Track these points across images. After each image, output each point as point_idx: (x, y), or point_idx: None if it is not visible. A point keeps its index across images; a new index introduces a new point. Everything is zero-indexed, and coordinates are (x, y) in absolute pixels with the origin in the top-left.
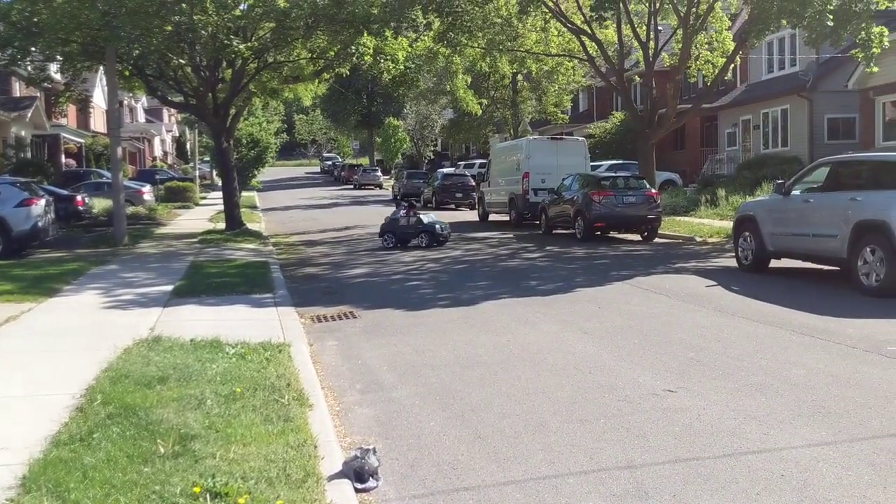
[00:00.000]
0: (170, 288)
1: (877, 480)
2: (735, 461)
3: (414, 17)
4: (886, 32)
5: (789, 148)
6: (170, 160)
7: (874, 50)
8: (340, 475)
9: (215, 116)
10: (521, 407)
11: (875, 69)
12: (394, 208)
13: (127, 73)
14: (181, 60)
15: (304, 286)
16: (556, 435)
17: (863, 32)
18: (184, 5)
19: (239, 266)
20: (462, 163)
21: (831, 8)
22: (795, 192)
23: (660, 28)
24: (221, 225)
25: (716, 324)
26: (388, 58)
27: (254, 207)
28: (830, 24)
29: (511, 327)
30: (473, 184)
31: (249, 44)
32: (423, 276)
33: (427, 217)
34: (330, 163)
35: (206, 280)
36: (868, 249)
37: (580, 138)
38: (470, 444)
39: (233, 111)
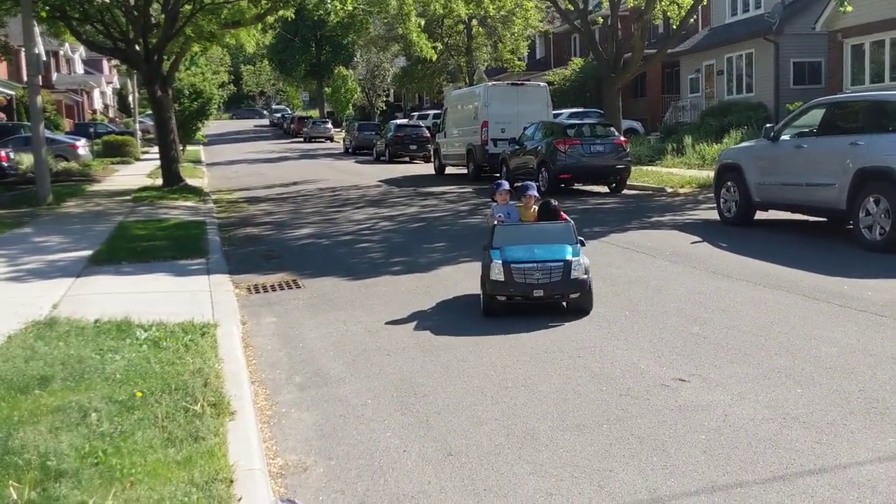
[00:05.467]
0: (87, 254)
1: None
2: (791, 488)
3: None
4: None
5: (754, 94)
6: (111, 114)
7: None
8: None
9: (147, 63)
10: (499, 408)
11: (849, 8)
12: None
13: (44, 13)
14: (107, 0)
15: (242, 249)
16: (549, 449)
17: None
18: None
19: (171, 227)
20: (416, 114)
21: None
22: (785, 138)
23: None
24: (160, 181)
25: (714, 288)
26: None
27: (198, 162)
28: None
29: (478, 299)
30: (428, 135)
31: None
32: (375, 236)
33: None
34: (279, 115)
35: (131, 244)
36: (871, 199)
37: (541, 84)
38: (438, 466)
39: (170, 59)
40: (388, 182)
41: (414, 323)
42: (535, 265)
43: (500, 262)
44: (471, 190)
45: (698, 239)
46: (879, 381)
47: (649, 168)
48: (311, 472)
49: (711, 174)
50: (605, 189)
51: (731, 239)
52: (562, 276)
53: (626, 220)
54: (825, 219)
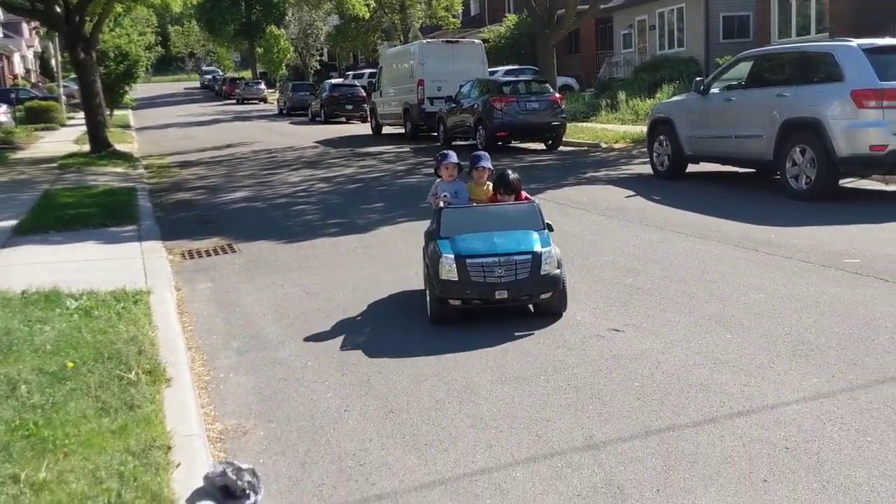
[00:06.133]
0: (12, 224)
1: None
2: (721, 429)
3: None
4: None
5: (685, 48)
6: (34, 78)
7: None
8: (202, 496)
9: (69, 25)
10: (439, 364)
11: None
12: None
13: None
14: None
15: (175, 215)
16: (488, 402)
17: None
18: None
19: (100, 194)
20: (351, 73)
21: None
22: (714, 91)
23: None
24: (87, 147)
25: (647, 241)
26: None
27: (126, 127)
28: None
29: (419, 258)
30: (364, 95)
31: None
32: (311, 198)
33: None
34: (210, 77)
35: (59, 212)
36: (797, 150)
37: (476, 41)
38: (380, 424)
39: (93, 20)
40: (324, 143)
41: (353, 284)
42: (496, 259)
43: (453, 256)
44: (408, 149)
45: (632, 193)
46: (804, 324)
47: (584, 124)
48: (252, 436)
49: (645, 129)
50: (541, 146)
51: (664, 192)
52: (530, 272)
53: (563, 176)
54: (754, 170)
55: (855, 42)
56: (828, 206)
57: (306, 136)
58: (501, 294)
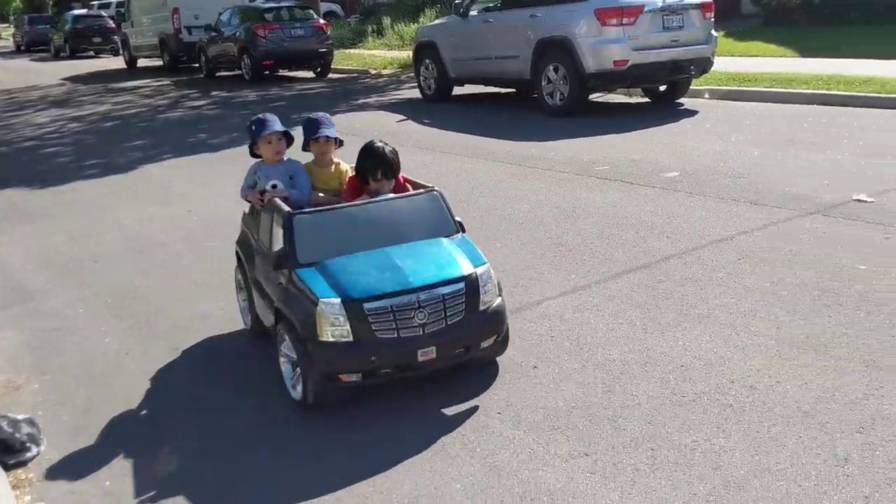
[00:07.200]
0: None
1: (650, 325)
2: None
3: None
4: None
5: None
6: None
7: None
8: None
9: None
10: (223, 299)
11: None
12: None
13: None
14: None
15: None
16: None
17: None
18: None
19: None
20: (96, 2)
21: None
22: (474, 13)
23: None
24: None
25: (420, 163)
26: None
27: None
28: None
29: (189, 194)
30: (113, 26)
31: None
32: (63, 140)
33: None
34: None
35: None
36: (551, 68)
37: None
38: (164, 363)
39: None
40: (73, 80)
41: (122, 225)
42: (411, 297)
43: (339, 300)
44: (169, 82)
45: (403, 117)
46: (563, 228)
47: (352, 51)
48: (25, 389)
49: (411, 54)
50: (310, 74)
51: (434, 115)
52: (465, 310)
53: (335, 103)
54: (514, 89)
55: None
56: (580, 120)
57: (51, 73)
58: (427, 354)
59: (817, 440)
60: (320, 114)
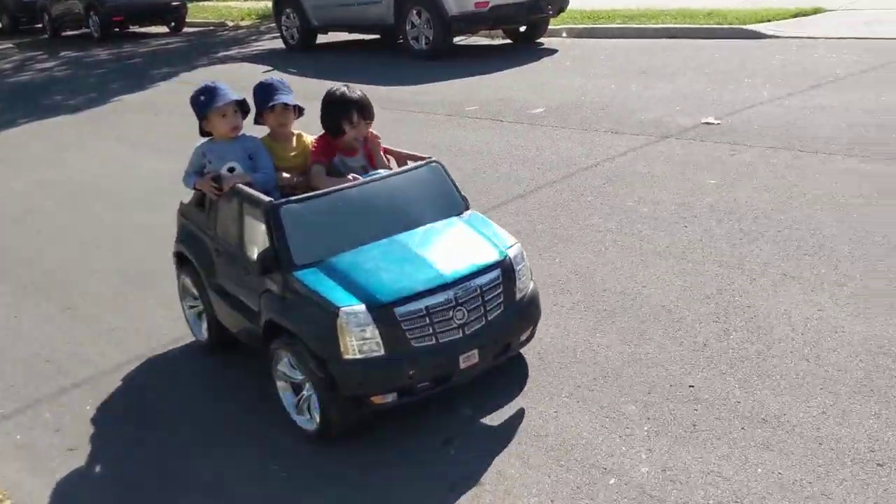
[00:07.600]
0: None
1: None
2: None
3: None
4: None
5: None
6: None
7: None
8: None
9: None
10: (116, 258)
11: None
12: None
13: None
14: None
15: None
16: (165, 280)
17: None
18: None
19: None
20: None
21: None
22: None
23: None
24: None
25: None
26: None
27: None
28: None
29: (53, 157)
30: None
31: None
32: None
33: None
34: None
35: None
36: (414, 12)
37: None
38: (57, 321)
39: None
40: None
41: None
42: (449, 294)
43: (363, 307)
44: (11, 45)
45: (268, 68)
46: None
47: (206, 3)
48: None
49: (270, 4)
50: (164, 29)
51: (299, 64)
52: (504, 302)
53: (194, 58)
54: (379, 35)
55: None
56: (447, 62)
57: None
58: (469, 359)
59: (680, 331)
60: (273, 77)
